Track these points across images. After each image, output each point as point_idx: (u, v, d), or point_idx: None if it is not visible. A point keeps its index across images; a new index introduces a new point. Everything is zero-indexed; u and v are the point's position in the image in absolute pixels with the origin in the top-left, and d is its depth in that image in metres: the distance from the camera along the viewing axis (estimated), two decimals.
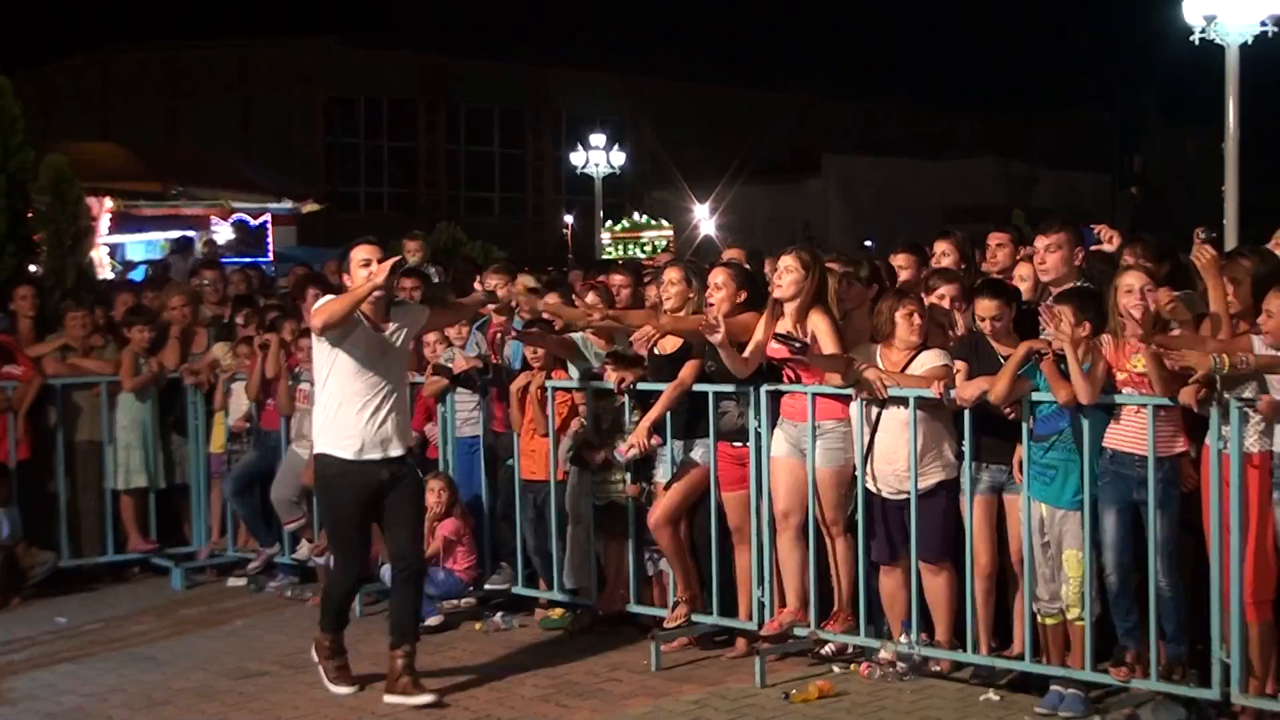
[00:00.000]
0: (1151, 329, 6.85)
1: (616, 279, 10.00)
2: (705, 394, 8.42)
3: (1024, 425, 7.39)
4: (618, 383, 8.77)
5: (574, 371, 9.21)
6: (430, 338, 9.83)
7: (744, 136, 55.53)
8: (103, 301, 12.35)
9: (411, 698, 7.67)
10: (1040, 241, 8.00)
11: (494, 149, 63.33)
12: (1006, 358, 7.47)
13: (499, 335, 9.74)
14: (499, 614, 9.45)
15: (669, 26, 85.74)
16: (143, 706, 7.92)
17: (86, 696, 8.11)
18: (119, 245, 23.49)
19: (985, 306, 7.70)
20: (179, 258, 20.05)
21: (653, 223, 45.49)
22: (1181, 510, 7.04)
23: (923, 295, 8.24)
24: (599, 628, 9.13)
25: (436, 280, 11.70)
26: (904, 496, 7.83)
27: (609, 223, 46.21)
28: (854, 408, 7.97)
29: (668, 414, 8.56)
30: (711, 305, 8.36)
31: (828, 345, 7.95)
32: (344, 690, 7.93)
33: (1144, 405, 6.96)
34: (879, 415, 7.89)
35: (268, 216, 26.18)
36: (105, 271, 20.37)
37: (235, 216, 25.45)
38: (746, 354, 8.14)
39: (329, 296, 7.93)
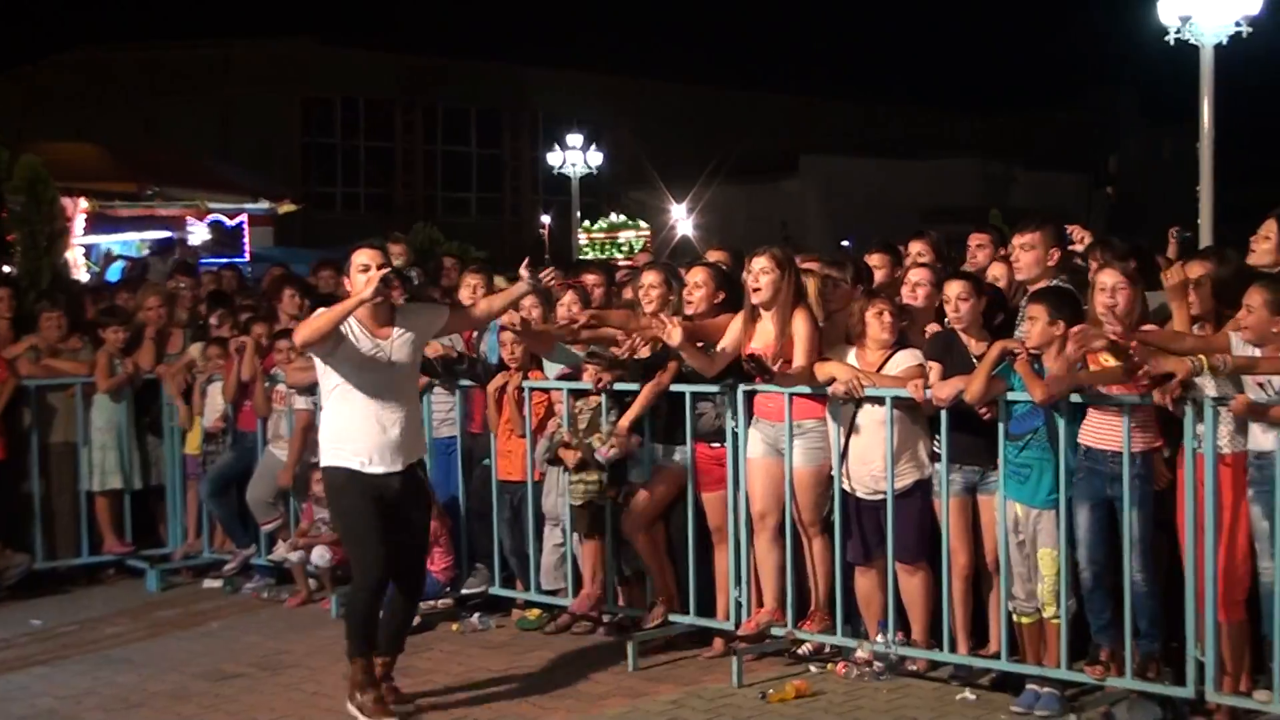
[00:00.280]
0: (1129, 326, 6.89)
1: (589, 278, 9.99)
2: (683, 395, 8.42)
3: (1000, 424, 7.41)
4: (595, 382, 8.76)
5: (550, 371, 9.20)
6: None
7: (721, 137, 55.60)
8: (79, 302, 12.32)
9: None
10: (1016, 240, 8.03)
11: (471, 149, 63.28)
12: (979, 357, 7.49)
13: (474, 331, 9.71)
14: (476, 615, 9.44)
15: (646, 27, 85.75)
16: (118, 709, 7.89)
17: (61, 699, 8.08)
18: (93, 246, 23.37)
19: (953, 286, 7.76)
20: (158, 259, 19.98)
21: (630, 223, 45.49)
22: (1156, 508, 7.06)
23: (901, 292, 8.27)
24: (576, 628, 9.13)
25: (417, 282, 11.69)
26: (879, 497, 7.84)
27: (586, 223, 46.20)
28: (829, 408, 7.98)
29: (645, 415, 8.56)
30: (690, 303, 8.37)
31: (804, 350, 7.97)
32: None
33: (1119, 404, 6.98)
34: (854, 416, 7.90)
35: (244, 217, 26.05)
36: (81, 272, 20.27)
37: (211, 217, 25.33)
38: (722, 348, 8.14)
39: (320, 311, 7.53)
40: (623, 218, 46.28)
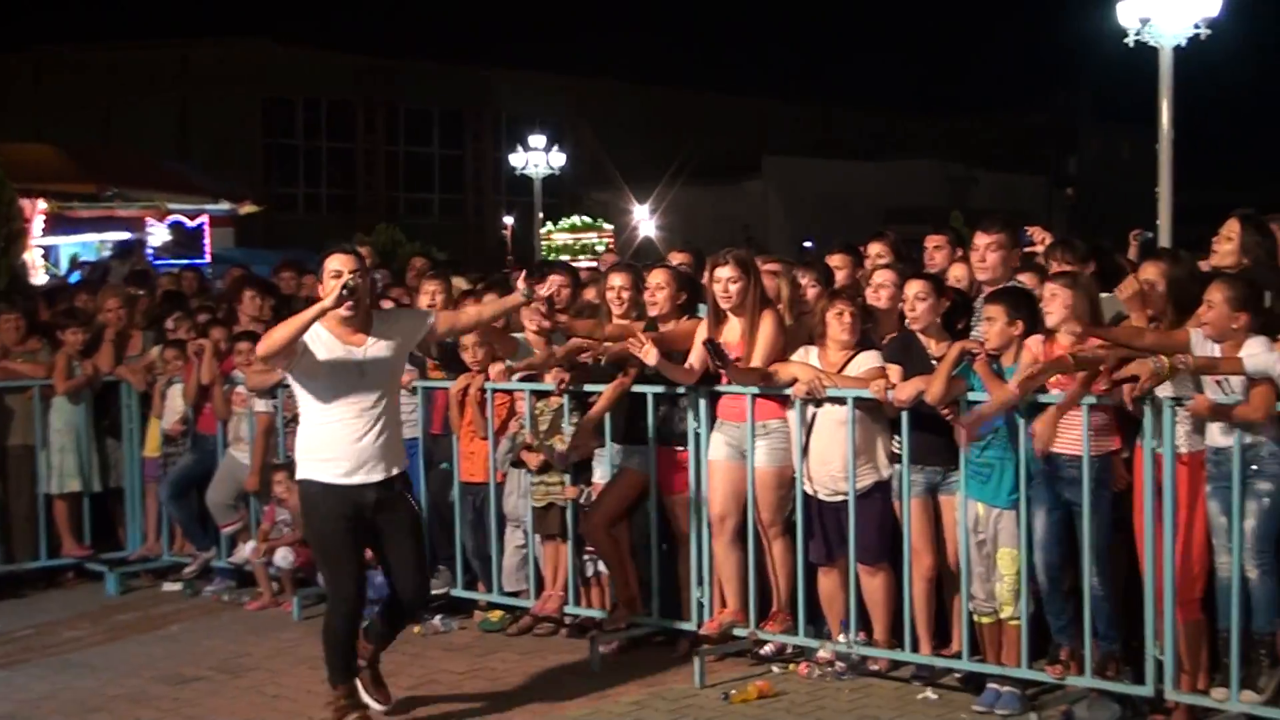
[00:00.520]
0: (1088, 326, 6.93)
1: (555, 279, 9.97)
2: (644, 396, 8.42)
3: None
4: (557, 384, 8.76)
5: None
6: None
7: (684, 138, 55.60)
8: (35, 304, 12.24)
9: (366, 695, 7.42)
10: (981, 239, 8.07)
11: (433, 150, 63.12)
12: (937, 358, 7.52)
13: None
14: (438, 617, 9.41)
15: (609, 28, 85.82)
16: (76, 713, 7.83)
17: (19, 703, 8.02)
18: (52, 247, 23.24)
19: (912, 286, 7.81)
20: (118, 261, 19.89)
21: (593, 223, 45.50)
22: (1114, 509, 7.10)
23: (865, 294, 8.30)
24: (538, 630, 9.12)
25: (381, 285, 11.64)
26: (840, 498, 7.86)
27: (548, 226, 46.18)
28: (793, 409, 8.00)
29: (607, 416, 8.56)
30: (653, 304, 8.37)
31: (762, 353, 8.01)
32: None
33: (1078, 405, 7.02)
34: (813, 417, 7.91)
35: (205, 218, 25.94)
36: (39, 274, 20.15)
37: (172, 218, 25.22)
38: (689, 365, 8.16)
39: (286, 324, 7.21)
40: (585, 219, 46.27)
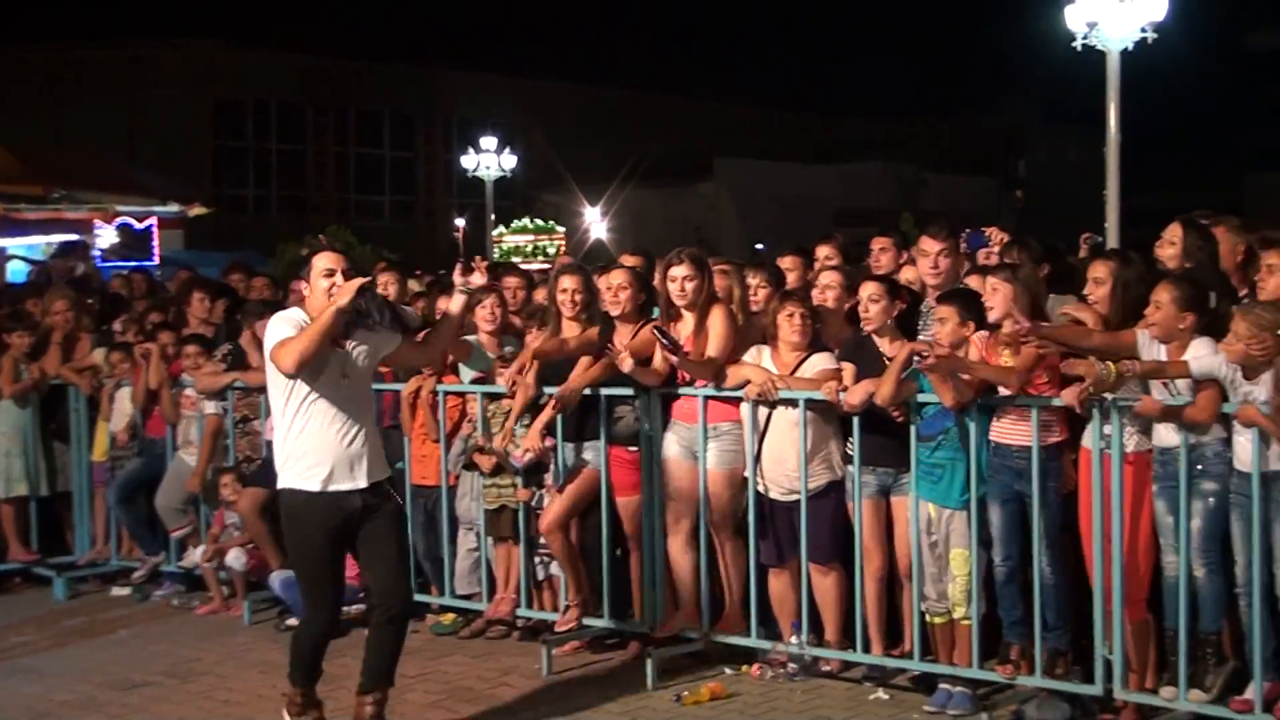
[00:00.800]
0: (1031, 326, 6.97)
1: (511, 281, 9.99)
2: (596, 396, 8.43)
3: (911, 426, 7.47)
4: (510, 385, 8.74)
5: (465, 375, 9.17)
6: None
7: (635, 140, 55.66)
8: None
9: None
10: (932, 245, 8.10)
11: (384, 152, 62.94)
12: (892, 359, 7.55)
13: None
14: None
15: (560, 31, 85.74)
16: (24, 719, 7.77)
17: None
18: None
19: (866, 288, 7.85)
20: (59, 260, 19.73)
21: (544, 226, 45.47)
22: (1065, 511, 7.15)
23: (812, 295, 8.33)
24: (490, 633, 9.10)
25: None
26: (793, 498, 7.88)
27: (500, 226, 46.12)
28: (744, 410, 8.02)
29: (558, 416, 8.56)
30: (616, 304, 8.37)
31: (717, 345, 8.03)
32: None
33: (1028, 405, 7.06)
34: (768, 417, 7.93)
35: (153, 220, 25.75)
36: None
37: (120, 220, 25.02)
38: (654, 367, 8.17)
39: (282, 327, 6.81)
40: (537, 222, 46.24)
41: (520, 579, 8.93)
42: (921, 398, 7.42)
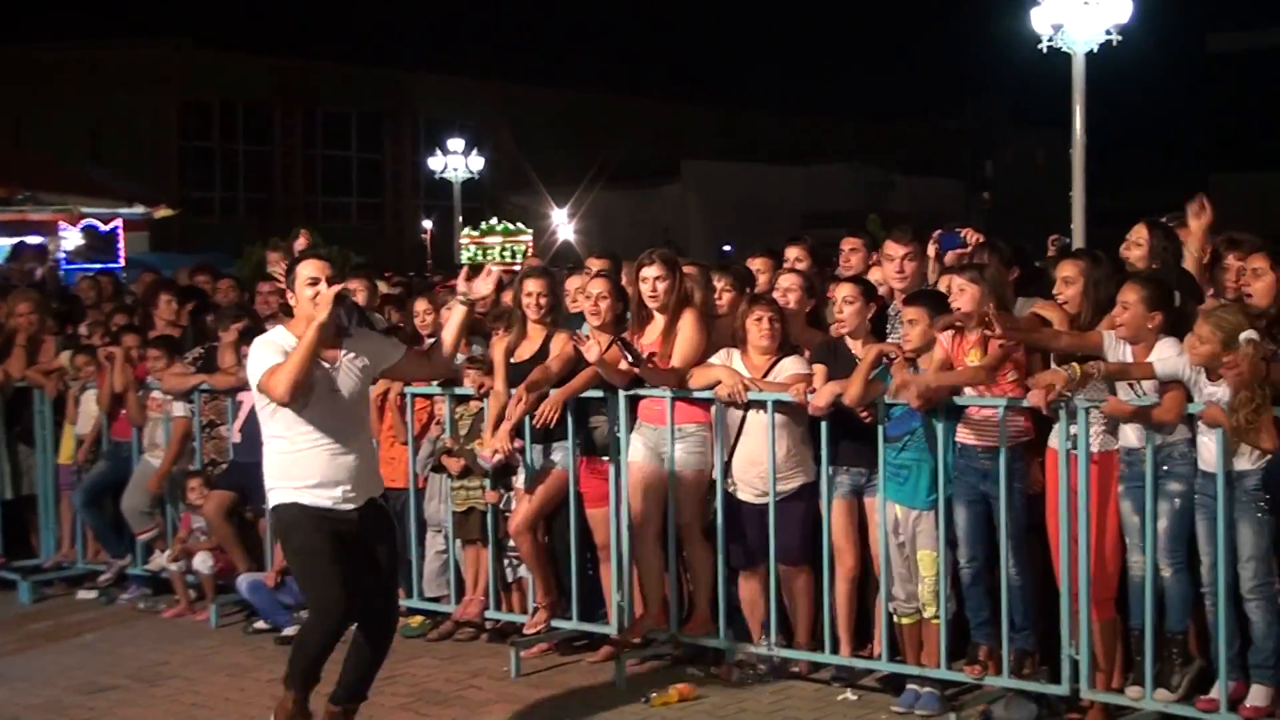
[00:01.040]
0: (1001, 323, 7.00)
1: (494, 269, 9.96)
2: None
3: (879, 426, 7.49)
4: (477, 387, 8.74)
5: None
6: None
7: (602, 142, 55.65)
8: None
9: None
10: (898, 249, 8.13)
11: (351, 153, 62.77)
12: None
13: None
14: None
15: (527, 31, 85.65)
16: None
17: None
18: None
19: (840, 289, 7.89)
20: (15, 264, 19.65)
21: (511, 228, 45.41)
22: (1029, 509, 7.18)
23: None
24: (459, 635, 9.09)
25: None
26: (765, 500, 7.88)
27: (468, 228, 46.05)
28: (713, 411, 8.02)
29: (526, 418, 8.55)
30: (596, 314, 8.39)
31: (682, 353, 8.07)
32: None
33: (995, 406, 7.09)
34: (743, 419, 7.94)
35: (119, 222, 25.68)
36: None
37: (85, 222, 24.93)
38: (623, 367, 8.19)
39: (267, 353, 6.50)
40: (504, 223, 46.19)
41: (489, 581, 8.92)
42: (889, 398, 7.44)
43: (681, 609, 8.30)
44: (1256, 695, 6.52)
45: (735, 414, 7.96)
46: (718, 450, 8.04)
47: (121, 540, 10.63)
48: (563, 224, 50.82)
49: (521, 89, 62.99)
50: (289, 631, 9.06)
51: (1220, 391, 6.48)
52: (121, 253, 25.54)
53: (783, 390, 7.77)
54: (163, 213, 28.14)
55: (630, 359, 7.92)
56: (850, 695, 7.66)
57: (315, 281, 6.54)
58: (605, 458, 8.42)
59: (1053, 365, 7.01)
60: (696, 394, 8.03)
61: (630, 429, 8.29)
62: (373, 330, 7.08)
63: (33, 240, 23.11)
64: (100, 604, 10.54)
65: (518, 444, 8.57)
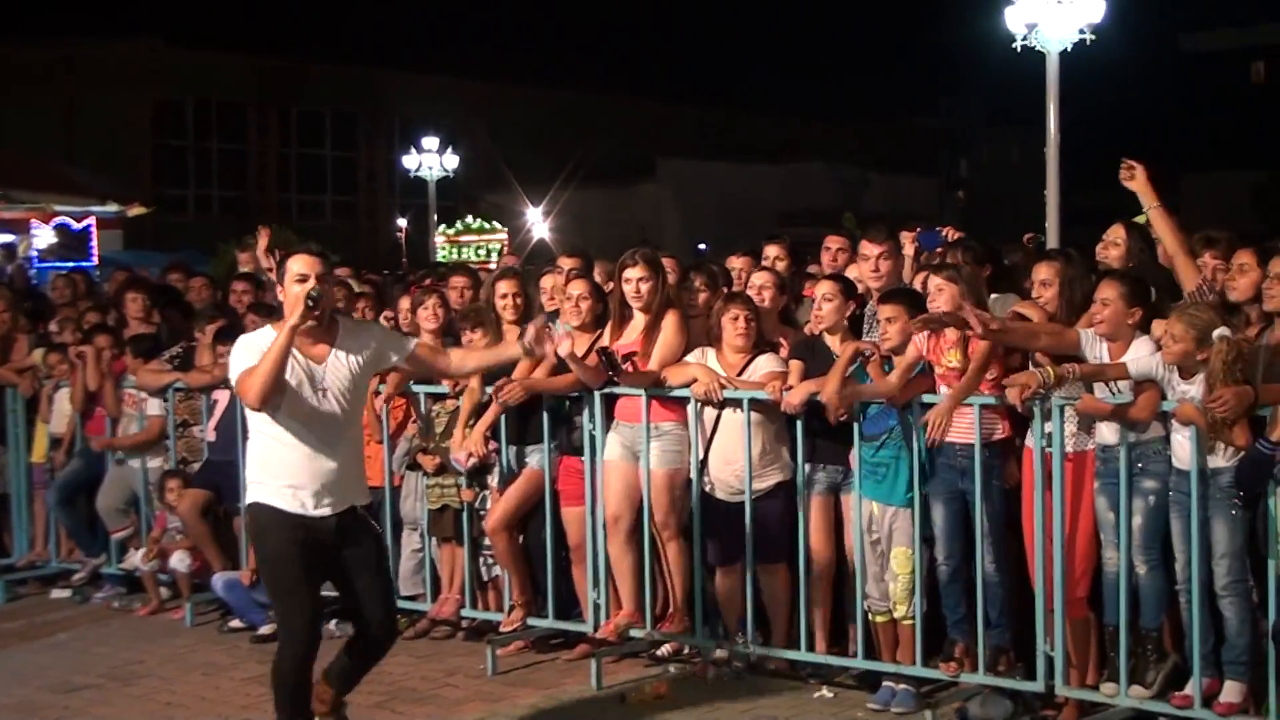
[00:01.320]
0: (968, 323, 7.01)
1: (459, 281, 9.97)
2: (539, 398, 8.42)
3: (855, 424, 7.50)
4: (453, 385, 8.73)
5: None
6: None
7: (578, 141, 55.59)
8: None
9: None
10: (873, 249, 8.14)
11: (326, 152, 62.63)
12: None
13: None
14: (334, 621, 9.29)
15: (502, 30, 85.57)
16: None
17: None
18: None
19: (821, 286, 7.91)
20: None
21: (487, 226, 45.39)
22: (1005, 505, 7.20)
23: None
24: (434, 633, 9.08)
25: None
26: (742, 498, 7.88)
27: (443, 226, 46.00)
28: (689, 411, 8.03)
29: (502, 417, 8.55)
30: (578, 313, 8.40)
31: (660, 355, 8.08)
32: None
33: (970, 404, 7.10)
34: (718, 418, 7.94)
35: (92, 220, 25.59)
36: None
37: (58, 220, 24.83)
38: (597, 366, 8.19)
39: (245, 356, 6.30)
40: (480, 221, 46.16)
41: (465, 579, 8.91)
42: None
43: (657, 607, 8.30)
44: (1230, 691, 6.55)
45: (710, 412, 7.97)
46: (694, 448, 8.04)
47: (96, 539, 10.59)
48: (538, 222, 50.80)
49: (497, 87, 62.91)
50: (264, 630, 9.05)
51: (1193, 390, 6.51)
52: (95, 251, 25.45)
53: (758, 388, 7.78)
54: (136, 211, 28.06)
55: (611, 372, 7.93)
56: (826, 693, 7.67)
57: (304, 279, 6.27)
58: (581, 457, 8.41)
59: (1030, 365, 7.02)
60: (672, 393, 8.03)
61: (606, 428, 8.29)
62: (374, 324, 6.90)
63: (3, 240, 23.04)
64: (74, 603, 10.49)
65: (492, 445, 8.57)
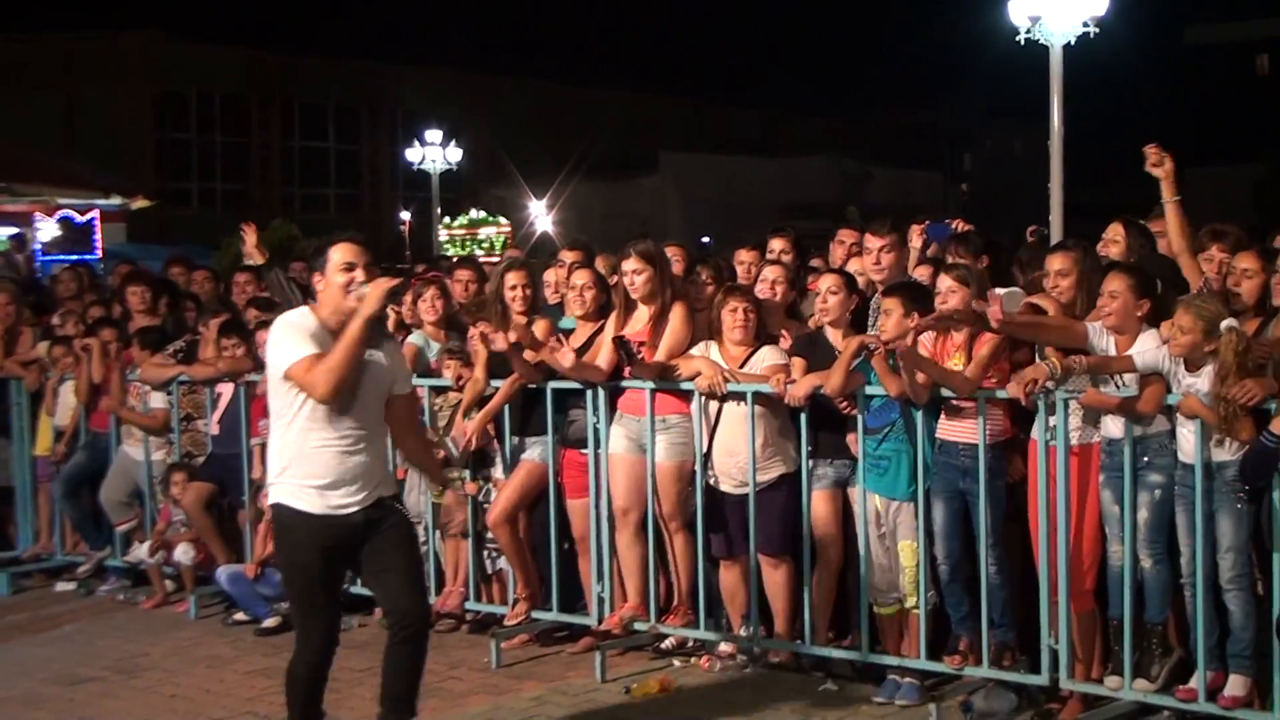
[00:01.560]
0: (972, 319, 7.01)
1: (463, 274, 9.97)
2: (542, 391, 8.43)
3: (859, 417, 7.50)
4: (456, 379, 8.73)
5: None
6: (261, 336, 9.68)
7: (580, 134, 55.53)
8: None
9: None
10: (875, 242, 8.15)
11: (329, 145, 62.65)
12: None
13: None
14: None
15: (506, 24, 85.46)
16: None
17: None
18: None
19: (825, 280, 7.91)
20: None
21: (490, 219, 45.37)
22: (1010, 501, 7.20)
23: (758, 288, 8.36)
24: (439, 626, 9.07)
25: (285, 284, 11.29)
26: (745, 491, 7.89)
27: (446, 219, 45.99)
28: (694, 403, 8.03)
29: (505, 409, 8.56)
30: (581, 303, 8.44)
31: (667, 346, 8.09)
32: None
33: (973, 399, 7.10)
34: (720, 410, 7.95)
35: (95, 213, 25.58)
36: None
37: (61, 213, 24.83)
38: (600, 363, 8.19)
39: (294, 338, 6.01)
40: (483, 214, 46.14)
41: (469, 572, 8.92)
42: (869, 390, 7.45)
43: (660, 599, 8.31)
44: (1235, 685, 6.54)
45: (713, 405, 7.97)
46: (698, 441, 8.05)
47: (100, 532, 10.62)
48: (541, 216, 50.77)
49: (499, 80, 62.90)
50: (268, 623, 9.07)
51: (1199, 383, 6.50)
52: (98, 244, 25.45)
53: (761, 381, 7.78)
54: (139, 204, 28.04)
55: (626, 359, 7.94)
56: (830, 685, 7.67)
57: (350, 267, 6.04)
58: (584, 450, 8.41)
59: (1036, 358, 7.01)
60: (676, 385, 8.04)
61: (610, 420, 8.29)
62: (398, 342, 6.62)
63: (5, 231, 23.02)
64: (79, 595, 10.51)
65: (492, 432, 8.60)
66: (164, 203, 39.27)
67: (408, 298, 9.57)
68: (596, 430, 8.33)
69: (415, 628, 6.28)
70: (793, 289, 8.46)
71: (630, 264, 8.18)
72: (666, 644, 8.38)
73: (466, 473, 8.74)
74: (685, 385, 8.00)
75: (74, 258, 21.09)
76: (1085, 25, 21.40)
